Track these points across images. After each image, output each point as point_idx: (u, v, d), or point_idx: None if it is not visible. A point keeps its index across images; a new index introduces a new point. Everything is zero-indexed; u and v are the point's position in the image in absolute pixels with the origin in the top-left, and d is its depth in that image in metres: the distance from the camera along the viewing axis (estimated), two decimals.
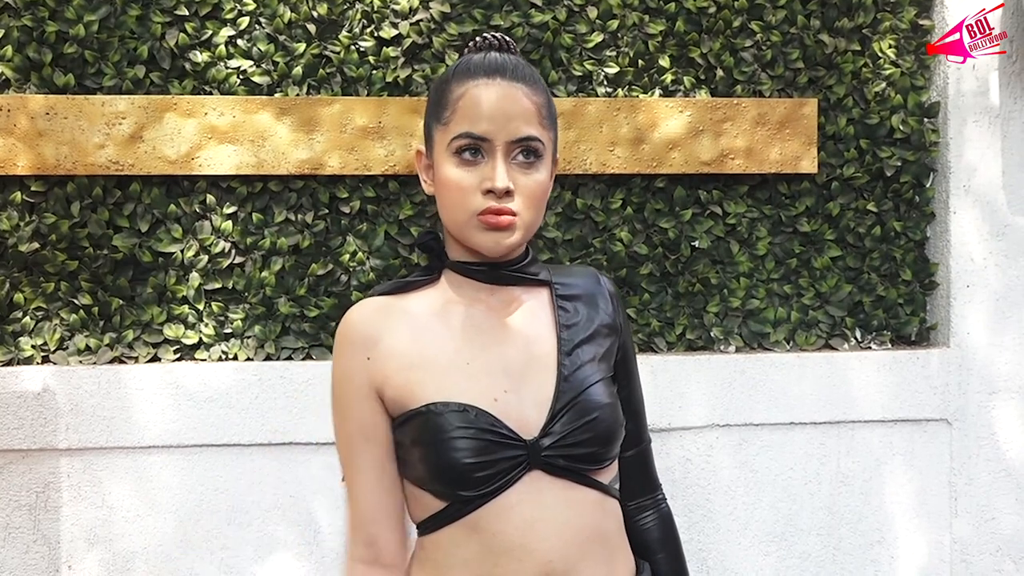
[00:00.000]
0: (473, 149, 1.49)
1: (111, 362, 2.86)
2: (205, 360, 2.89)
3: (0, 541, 2.79)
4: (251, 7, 2.90)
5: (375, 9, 2.94)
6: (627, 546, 1.61)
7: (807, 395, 3.04)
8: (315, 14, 2.92)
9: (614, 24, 3.02)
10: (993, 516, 3.13)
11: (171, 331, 2.87)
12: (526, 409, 1.50)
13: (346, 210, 2.93)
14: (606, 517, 1.54)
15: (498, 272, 1.58)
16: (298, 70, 2.91)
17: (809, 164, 3.07)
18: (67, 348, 2.85)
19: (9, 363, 2.84)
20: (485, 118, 1.49)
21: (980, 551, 3.13)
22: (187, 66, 2.89)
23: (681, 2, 3.06)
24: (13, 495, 2.80)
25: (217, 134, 2.85)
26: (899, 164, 3.14)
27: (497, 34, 1.58)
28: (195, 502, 2.84)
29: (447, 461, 1.45)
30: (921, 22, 3.17)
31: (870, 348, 3.13)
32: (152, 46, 2.87)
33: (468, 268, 1.57)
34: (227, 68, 2.90)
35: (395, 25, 2.95)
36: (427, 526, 1.52)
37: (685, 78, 3.06)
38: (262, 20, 2.91)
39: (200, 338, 2.88)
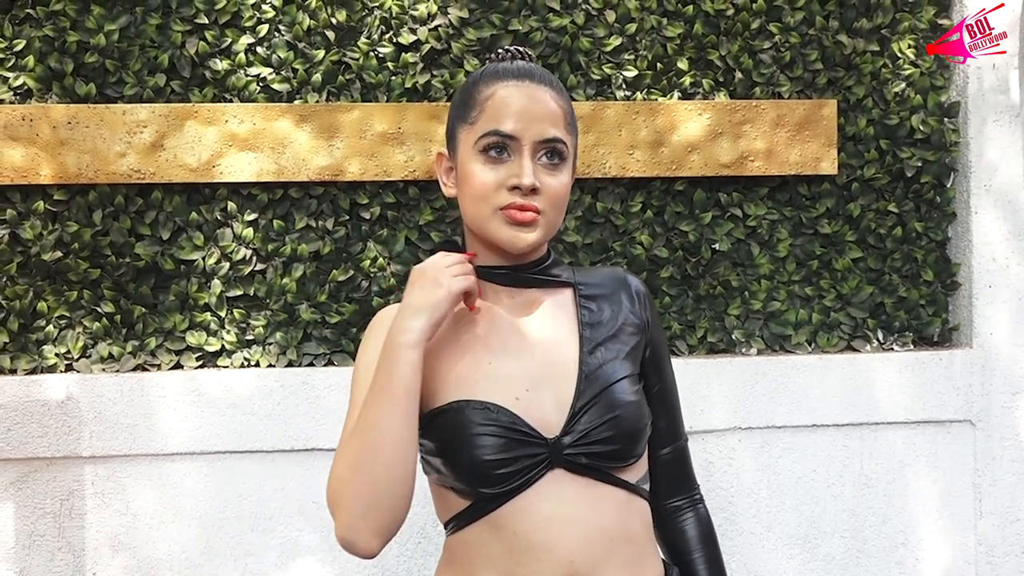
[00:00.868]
0: (500, 148, 1.52)
1: (134, 370, 2.87)
2: (227, 367, 2.89)
3: (25, 549, 2.81)
4: (270, 15, 2.91)
5: (394, 15, 2.94)
6: (655, 548, 1.61)
7: (829, 397, 3.03)
8: (334, 21, 2.93)
9: (632, 27, 3.02)
10: (1018, 517, 3.11)
11: (193, 338, 2.88)
12: (547, 407, 1.51)
13: (366, 216, 2.94)
14: (632, 517, 1.54)
15: (520, 275, 1.59)
16: (317, 77, 2.91)
17: (829, 165, 3.06)
18: (90, 356, 2.86)
19: (33, 371, 2.85)
20: (513, 117, 1.52)
21: (1006, 552, 3.11)
22: (207, 74, 2.90)
23: (699, 4, 3.06)
24: (38, 503, 2.81)
25: (237, 141, 2.86)
26: (919, 164, 3.13)
27: (519, 47, 1.62)
28: (219, 508, 2.85)
29: (469, 458, 1.46)
30: (940, 22, 3.16)
31: (892, 349, 3.12)
32: (172, 55, 2.88)
33: (490, 272, 1.58)
34: (247, 76, 2.91)
35: (414, 31, 2.96)
36: (452, 525, 1.54)
37: (704, 80, 3.06)
38: (281, 27, 2.93)
39: (222, 345, 2.89)
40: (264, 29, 2.91)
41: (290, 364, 2.91)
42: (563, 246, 2.98)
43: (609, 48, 3.01)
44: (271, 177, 2.88)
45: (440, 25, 2.96)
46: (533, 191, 1.50)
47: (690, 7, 3.05)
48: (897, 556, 3.07)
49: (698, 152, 3.01)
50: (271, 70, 2.91)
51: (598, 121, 2.96)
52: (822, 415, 3.03)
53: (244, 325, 2.91)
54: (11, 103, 2.84)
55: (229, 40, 2.90)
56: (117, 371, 2.85)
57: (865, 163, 3.12)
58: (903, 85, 3.13)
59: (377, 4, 2.95)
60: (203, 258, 2.89)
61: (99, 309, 2.86)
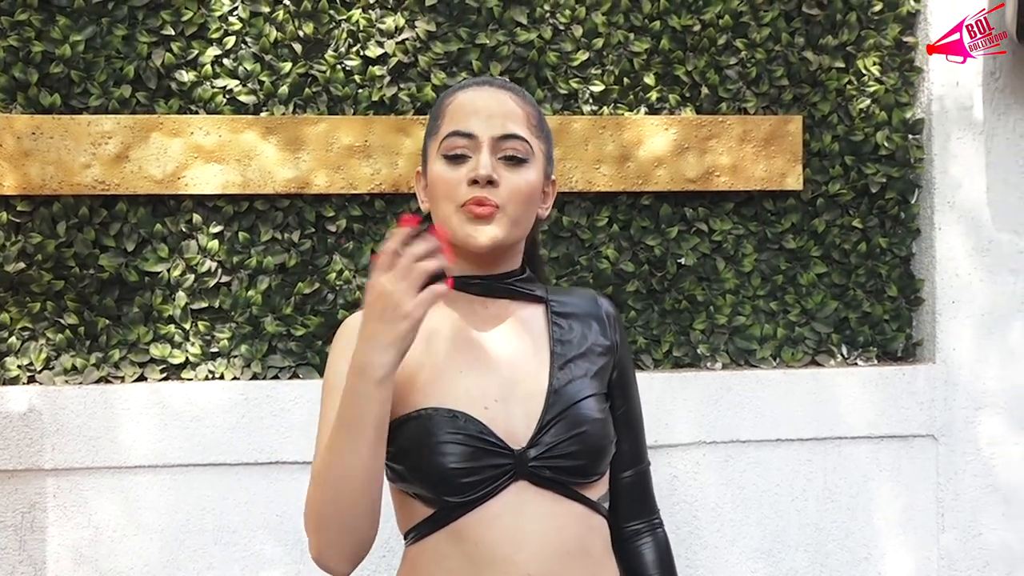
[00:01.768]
0: (462, 153, 1.54)
1: (97, 382, 2.85)
2: (191, 379, 2.88)
3: None
4: (237, 27, 2.91)
5: (361, 28, 2.95)
6: (613, 564, 1.62)
7: (793, 411, 3.05)
8: (301, 33, 2.93)
9: (599, 42, 3.03)
10: (980, 531, 3.13)
11: (157, 350, 2.87)
12: (515, 419, 1.52)
13: (332, 229, 2.94)
14: (591, 532, 1.55)
15: (493, 284, 1.60)
16: (284, 89, 2.91)
17: (794, 181, 3.08)
18: (53, 368, 2.85)
19: None
20: (471, 117, 1.55)
21: (967, 566, 3.13)
22: (173, 85, 2.89)
23: (666, 20, 3.07)
24: None
25: (203, 153, 2.86)
26: (884, 180, 3.15)
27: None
28: (182, 522, 2.84)
29: (435, 465, 1.47)
30: (905, 39, 3.19)
31: (856, 364, 3.14)
32: (138, 66, 2.87)
33: (465, 282, 1.59)
34: (213, 87, 2.90)
35: (381, 44, 2.96)
36: (413, 535, 1.54)
37: (670, 96, 3.07)
38: (248, 40, 2.92)
39: (187, 357, 2.88)
40: (231, 41, 2.90)
41: (255, 377, 2.90)
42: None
43: (576, 63, 3.02)
44: (237, 189, 2.87)
45: (407, 38, 2.97)
46: (491, 183, 1.52)
47: (657, 23, 3.07)
48: (860, 570, 3.09)
49: (664, 167, 3.02)
50: (237, 82, 2.91)
51: (565, 135, 2.97)
52: (786, 429, 3.04)
53: (209, 337, 2.90)
54: None
55: (195, 52, 2.90)
56: (80, 383, 2.83)
57: (830, 179, 3.14)
58: (868, 102, 3.16)
59: (344, 17, 2.95)
60: (168, 270, 2.88)
61: (62, 321, 2.85)
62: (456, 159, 1.54)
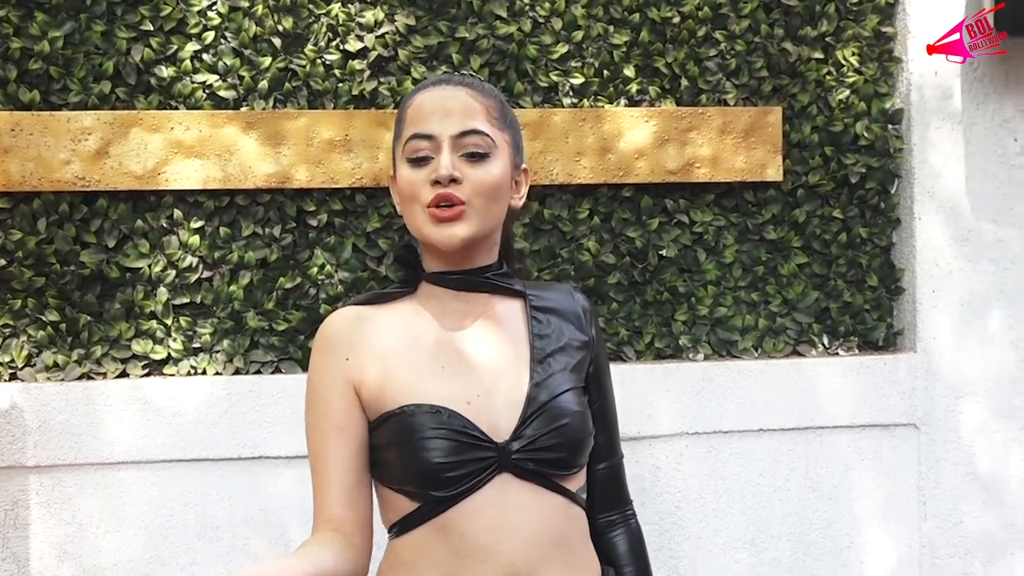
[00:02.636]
0: (424, 155, 1.55)
1: (79, 378, 2.85)
2: (174, 375, 2.88)
3: None
4: (216, 21, 2.90)
5: (340, 22, 2.95)
6: (592, 554, 1.63)
7: (775, 402, 3.06)
8: (280, 28, 2.92)
9: (579, 35, 3.04)
10: (961, 520, 3.15)
11: (139, 346, 2.87)
12: (498, 413, 1.53)
13: (313, 223, 2.94)
14: (570, 523, 1.57)
15: (471, 279, 1.61)
16: (264, 84, 2.91)
17: (774, 172, 3.09)
18: (35, 365, 2.85)
19: None
20: (429, 118, 1.55)
21: (949, 554, 3.15)
22: (153, 81, 2.89)
23: (645, 12, 3.08)
24: None
25: (183, 149, 2.85)
26: (864, 171, 3.16)
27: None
28: (165, 517, 2.84)
29: (420, 461, 1.48)
30: (884, 29, 3.20)
31: (837, 354, 3.16)
32: (117, 61, 2.87)
33: (443, 277, 1.60)
34: (193, 83, 2.90)
35: (361, 38, 2.96)
36: (397, 529, 1.55)
37: (650, 88, 3.08)
38: (227, 34, 2.92)
39: (168, 353, 2.88)
40: (210, 36, 2.90)
41: (237, 372, 2.90)
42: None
43: (556, 55, 3.03)
44: (217, 184, 2.87)
45: (387, 32, 2.96)
46: (454, 181, 1.52)
47: (636, 15, 3.07)
48: (842, 559, 3.11)
49: (645, 159, 3.03)
50: (217, 77, 2.91)
51: (545, 128, 2.97)
52: (768, 420, 3.06)
53: (191, 333, 2.90)
54: None
55: (175, 47, 2.89)
56: (62, 380, 2.83)
57: (810, 169, 3.15)
58: (847, 92, 3.17)
59: (324, 11, 2.95)
60: (149, 266, 2.88)
61: (44, 318, 2.84)
62: (419, 161, 1.55)
